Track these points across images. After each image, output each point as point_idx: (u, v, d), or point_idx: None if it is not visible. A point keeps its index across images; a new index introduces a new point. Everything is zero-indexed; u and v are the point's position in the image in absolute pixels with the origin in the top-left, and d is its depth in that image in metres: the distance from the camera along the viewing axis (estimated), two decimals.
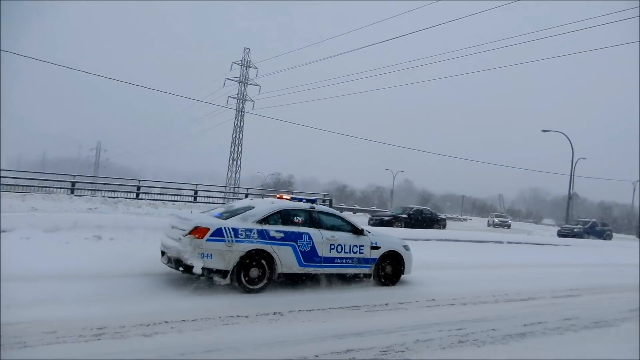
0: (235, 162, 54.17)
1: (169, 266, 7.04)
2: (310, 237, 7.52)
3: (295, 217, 7.62)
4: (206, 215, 7.58)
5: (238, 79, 52.23)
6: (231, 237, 6.76)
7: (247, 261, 6.83)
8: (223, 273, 6.68)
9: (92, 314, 5.12)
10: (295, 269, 7.33)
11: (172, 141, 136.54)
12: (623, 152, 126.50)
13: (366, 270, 8.20)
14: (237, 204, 8.03)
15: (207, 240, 6.61)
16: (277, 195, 8.62)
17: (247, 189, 29.66)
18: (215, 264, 6.63)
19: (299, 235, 7.43)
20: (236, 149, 54.18)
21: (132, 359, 4.02)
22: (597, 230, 32.21)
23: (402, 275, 8.61)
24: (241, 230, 6.89)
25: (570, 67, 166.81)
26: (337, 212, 8.56)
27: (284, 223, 7.42)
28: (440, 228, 23.34)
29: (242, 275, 6.80)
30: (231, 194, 32.88)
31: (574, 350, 5.40)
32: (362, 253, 8.11)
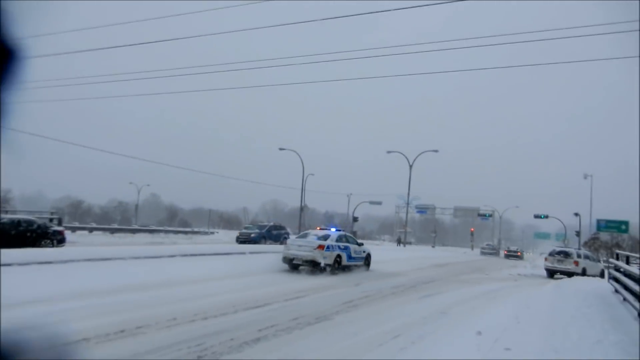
0: None
1: (303, 264, 14.98)
2: (349, 248, 16.15)
3: (343, 238, 16.26)
4: (312, 239, 15.56)
5: None
6: (332, 249, 15.08)
7: (334, 259, 14.99)
8: (329, 265, 14.73)
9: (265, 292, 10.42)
10: (345, 263, 15.70)
11: None
12: (342, 169, 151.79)
13: (362, 263, 17.18)
14: (320, 233, 16.32)
15: (325, 250, 14.76)
16: (318, 227, 18.81)
17: None
18: (327, 261, 14.70)
19: (347, 247, 16.02)
20: None
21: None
22: (275, 234, 31.45)
23: (370, 264, 17.75)
24: (333, 245, 15.23)
25: (296, 92, 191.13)
26: (351, 235, 18.50)
27: (339, 241, 15.82)
28: (53, 245, 16.77)
29: (334, 266, 14.95)
30: None
31: (300, 345, 6.16)
32: (361, 255, 17.20)
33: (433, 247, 63.49)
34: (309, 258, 14.62)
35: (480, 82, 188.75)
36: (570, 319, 8.51)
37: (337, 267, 15.09)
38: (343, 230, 17.70)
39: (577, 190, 74.12)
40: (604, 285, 14.33)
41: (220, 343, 5.96)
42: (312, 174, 59.46)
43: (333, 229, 16.77)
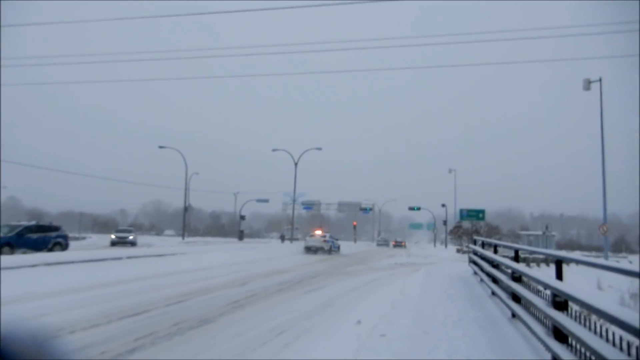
0: None
1: (314, 250, 31.10)
2: (334, 242, 33.11)
3: (331, 237, 33.44)
4: (319, 238, 32.32)
5: None
6: (329, 242, 31.80)
7: (330, 247, 31.67)
8: (328, 250, 31.27)
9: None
10: (333, 249, 31.95)
11: None
12: (228, 168, 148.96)
13: (337, 250, 33.28)
14: (321, 234, 34.00)
15: (327, 242, 31.64)
16: (314, 231, 36.81)
17: None
18: (327, 248, 31.35)
19: (333, 242, 32.80)
20: None
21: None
22: (34, 240, 22.07)
23: (340, 250, 34.22)
24: (329, 240, 32.07)
25: (179, 89, 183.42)
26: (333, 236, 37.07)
27: (330, 239, 32.66)
28: None
29: (330, 251, 31.51)
30: None
31: (180, 351, 5.90)
32: (337, 245, 33.71)
33: None
34: (320, 246, 31.09)
35: (359, 83, 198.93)
36: (438, 301, 9.40)
37: (330, 251, 31.21)
38: (331, 234, 35.64)
39: (444, 183, 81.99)
40: (467, 268, 16.07)
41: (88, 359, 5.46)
42: (197, 173, 57.57)
43: (327, 234, 34.21)
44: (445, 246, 55.71)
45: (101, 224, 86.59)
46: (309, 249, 30.80)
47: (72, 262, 14.45)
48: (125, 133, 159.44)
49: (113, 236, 36.78)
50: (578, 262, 5.07)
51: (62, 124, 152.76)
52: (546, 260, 25.22)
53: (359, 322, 7.51)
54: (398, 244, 62.88)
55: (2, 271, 10.27)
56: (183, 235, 52.47)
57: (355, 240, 73.75)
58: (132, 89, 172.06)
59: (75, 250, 24.49)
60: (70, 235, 52.02)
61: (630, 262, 33.94)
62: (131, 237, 36.25)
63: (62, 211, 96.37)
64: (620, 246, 65.34)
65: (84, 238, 51.84)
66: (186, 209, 51.63)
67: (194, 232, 75.86)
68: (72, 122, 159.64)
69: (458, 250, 39.73)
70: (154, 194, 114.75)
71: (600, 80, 27.02)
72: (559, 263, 5.36)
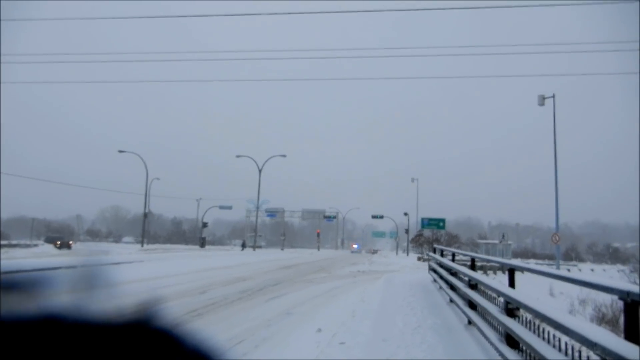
0: None
1: (354, 252, 67.51)
2: (360, 249, 79.50)
3: (360, 246, 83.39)
4: (356, 246, 79.75)
5: None
6: (358, 248, 77.78)
7: (359, 251, 74.63)
8: (359, 252, 69.88)
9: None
10: (357, 252, 69.95)
11: None
12: (191, 174, 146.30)
13: (360, 252, 71.63)
14: (355, 246, 79.92)
15: (357, 249, 76.94)
16: (352, 245, 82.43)
17: None
18: (357, 251, 72.04)
19: (359, 248, 79.25)
20: None
21: None
22: None
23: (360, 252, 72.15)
24: (359, 248, 78.71)
25: (142, 91, 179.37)
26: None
27: (358, 247, 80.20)
28: None
29: (360, 252, 69.26)
30: None
31: None
32: (360, 249, 76.41)
33: (282, 249, 65.11)
34: (356, 251, 68.10)
35: (323, 92, 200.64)
36: (397, 309, 9.52)
37: (360, 252, 62.79)
38: (359, 245, 79.56)
39: (407, 192, 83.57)
40: (427, 276, 16.36)
41: None
42: (158, 179, 56.23)
43: (356, 245, 77.73)
44: (407, 254, 56.60)
45: (55, 230, 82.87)
46: (352, 252, 65.03)
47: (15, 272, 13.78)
48: (83, 135, 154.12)
49: None
50: (532, 271, 5.27)
51: (13, 123, 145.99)
52: (502, 268, 26.03)
53: (319, 330, 7.50)
54: (373, 251, 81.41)
55: None
56: (142, 242, 51.03)
57: (318, 248, 73.79)
58: (90, 90, 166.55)
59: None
60: (21, 242, 49.67)
61: (580, 270, 35.55)
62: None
63: (12, 217, 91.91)
64: (571, 255, 68.38)
65: (35, 245, 49.54)
66: (146, 215, 50.30)
67: (154, 239, 73.84)
68: (25, 121, 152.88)
69: (419, 259, 40.39)
70: (112, 200, 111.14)
71: (553, 96, 28.31)
72: (511, 271, 5.55)
